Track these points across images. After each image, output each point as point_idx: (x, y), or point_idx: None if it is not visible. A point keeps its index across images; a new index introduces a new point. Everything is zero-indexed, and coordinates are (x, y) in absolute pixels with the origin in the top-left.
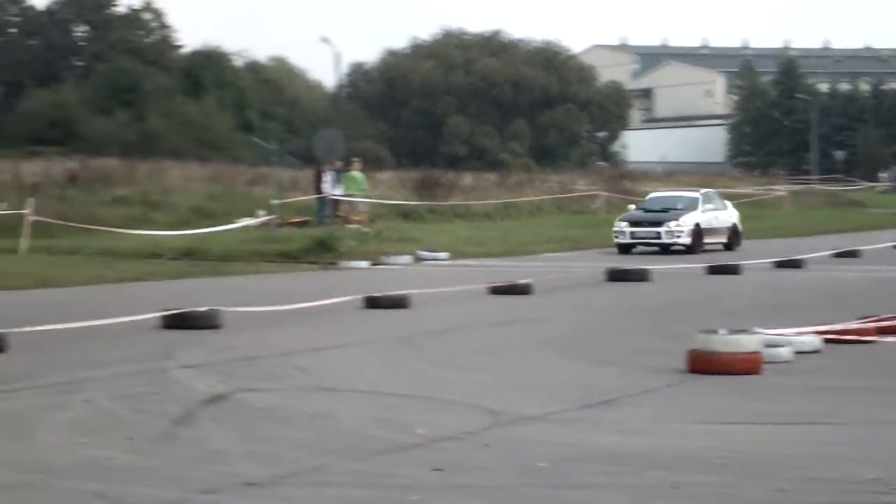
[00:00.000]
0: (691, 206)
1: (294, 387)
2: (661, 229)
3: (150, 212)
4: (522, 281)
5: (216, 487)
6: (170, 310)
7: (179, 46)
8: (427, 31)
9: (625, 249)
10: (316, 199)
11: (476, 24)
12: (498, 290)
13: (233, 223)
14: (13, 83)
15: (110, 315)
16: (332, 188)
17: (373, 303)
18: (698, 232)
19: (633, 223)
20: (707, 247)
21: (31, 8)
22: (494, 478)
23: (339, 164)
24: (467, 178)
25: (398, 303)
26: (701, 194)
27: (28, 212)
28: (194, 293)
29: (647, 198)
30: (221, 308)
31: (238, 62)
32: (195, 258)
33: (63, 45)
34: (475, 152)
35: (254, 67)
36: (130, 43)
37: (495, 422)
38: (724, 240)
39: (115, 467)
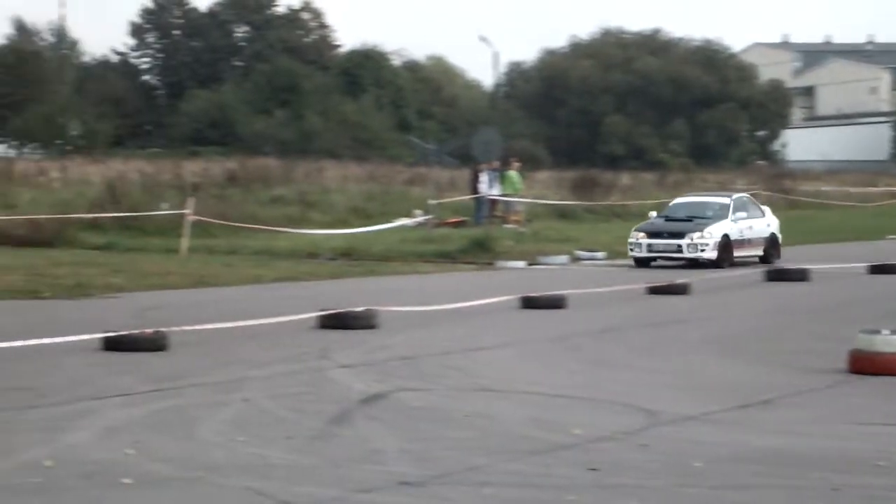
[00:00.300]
0: (720, 213)
1: (450, 387)
2: (683, 241)
3: (307, 211)
4: (680, 281)
5: (373, 486)
6: (327, 310)
7: (338, 46)
8: (586, 30)
9: (643, 264)
10: (473, 199)
11: (635, 22)
12: (656, 290)
13: (390, 223)
14: (175, 84)
15: (268, 315)
16: (489, 188)
17: (530, 303)
18: (727, 244)
19: (651, 234)
20: (739, 260)
21: (194, 10)
22: (651, 478)
23: (496, 163)
24: (625, 178)
25: (555, 303)
26: (732, 200)
27: (188, 211)
28: (351, 293)
29: (671, 204)
30: (378, 308)
31: (396, 61)
32: (352, 258)
33: (224, 46)
34: (633, 152)
35: (412, 66)
36: (289, 43)
37: (652, 422)
38: (760, 252)
39: (274, 465)
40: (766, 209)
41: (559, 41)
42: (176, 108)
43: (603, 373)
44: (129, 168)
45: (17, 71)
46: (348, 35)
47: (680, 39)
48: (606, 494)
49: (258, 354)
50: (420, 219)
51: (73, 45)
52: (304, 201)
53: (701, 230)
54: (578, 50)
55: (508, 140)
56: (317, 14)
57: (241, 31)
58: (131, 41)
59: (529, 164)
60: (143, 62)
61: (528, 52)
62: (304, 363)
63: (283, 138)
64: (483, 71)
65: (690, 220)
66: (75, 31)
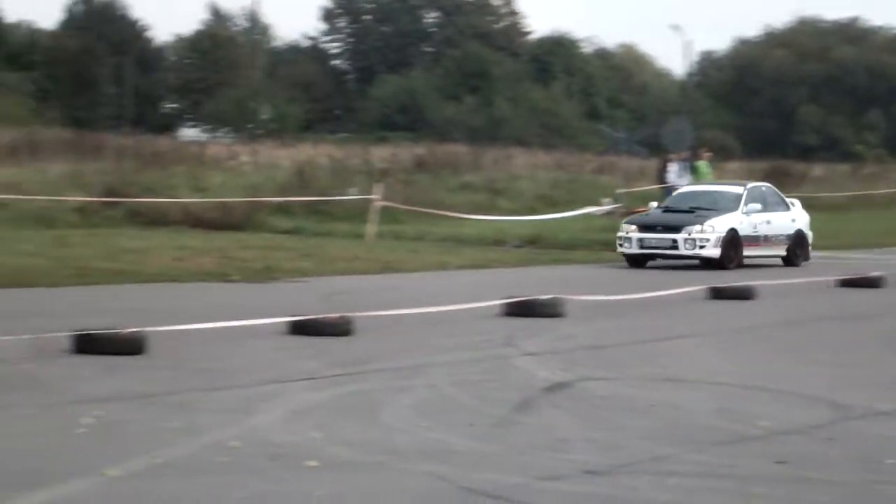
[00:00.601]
0: (730, 205)
1: (636, 376)
2: (679, 236)
3: (495, 198)
4: (874, 273)
5: (556, 474)
6: (512, 297)
7: (528, 32)
8: (780, 18)
9: (636, 262)
10: (661, 188)
11: (832, 10)
12: (848, 283)
13: (577, 211)
14: (365, 69)
15: (453, 301)
16: (678, 178)
17: (717, 293)
18: (733, 240)
19: (643, 227)
20: (751, 261)
21: None
22: (839, 473)
23: (685, 153)
24: (818, 169)
25: (743, 294)
26: (746, 189)
27: (376, 197)
28: (537, 281)
29: (674, 193)
30: (564, 296)
31: (587, 49)
32: (539, 246)
33: (414, 31)
34: (827, 142)
35: (602, 54)
36: (479, 29)
37: (841, 416)
38: (782, 252)
39: (456, 452)
40: (795, 202)
41: (753, 30)
42: (365, 92)
43: (790, 365)
44: (319, 153)
45: (211, 56)
46: (539, 22)
47: (879, 28)
48: (795, 488)
49: (442, 341)
50: (608, 207)
51: (266, 30)
52: (492, 188)
53: (701, 223)
54: (772, 39)
55: (699, 130)
56: (508, 0)
57: (431, 16)
58: (322, 26)
59: (720, 154)
60: (334, 47)
61: (720, 41)
62: (489, 350)
63: (473, 125)
64: (674, 59)
65: (691, 212)
66: (268, 16)
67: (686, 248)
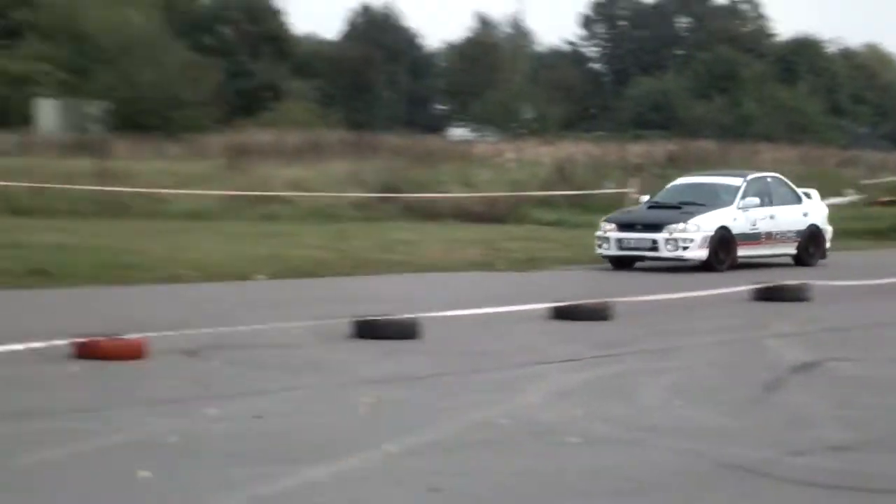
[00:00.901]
0: (724, 199)
1: (882, 357)
2: (660, 235)
3: None
4: None
5: (805, 450)
6: (762, 283)
7: (774, 35)
8: None
9: (620, 264)
10: None
11: None
12: None
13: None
14: (621, 71)
15: (705, 287)
16: None
17: None
18: (723, 240)
19: (622, 226)
20: (748, 260)
21: (640, 3)
22: None
23: None
24: None
25: None
26: (745, 181)
27: (632, 190)
28: (783, 268)
29: (667, 186)
30: (812, 281)
31: (831, 49)
32: None
33: (667, 36)
34: None
35: (846, 54)
36: (729, 32)
37: None
38: (791, 250)
39: (709, 428)
40: (812, 193)
41: None
42: (621, 93)
43: None
44: (578, 150)
45: (478, 61)
46: (785, 24)
47: None
48: None
49: (695, 324)
50: (851, 198)
51: (528, 35)
52: None
53: (685, 221)
54: None
55: None
56: (755, 4)
57: (683, 21)
58: (581, 31)
59: None
60: (592, 51)
61: None
62: (740, 333)
63: (722, 123)
64: None
65: (678, 208)
66: (530, 22)
67: (668, 250)
